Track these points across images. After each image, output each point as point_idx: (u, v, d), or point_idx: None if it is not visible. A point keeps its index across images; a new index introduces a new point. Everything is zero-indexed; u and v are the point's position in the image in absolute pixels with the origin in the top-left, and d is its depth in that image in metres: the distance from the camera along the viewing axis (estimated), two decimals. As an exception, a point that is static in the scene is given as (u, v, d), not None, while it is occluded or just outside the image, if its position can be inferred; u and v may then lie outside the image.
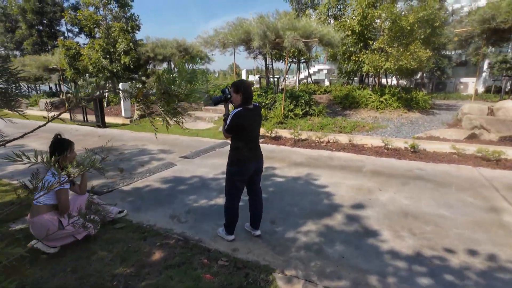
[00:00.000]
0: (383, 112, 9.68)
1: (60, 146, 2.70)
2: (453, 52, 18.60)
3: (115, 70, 12.91)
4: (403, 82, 15.88)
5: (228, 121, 2.64)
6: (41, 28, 19.27)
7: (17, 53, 20.69)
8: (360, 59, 10.23)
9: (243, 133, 2.67)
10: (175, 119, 1.52)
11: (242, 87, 2.62)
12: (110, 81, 13.30)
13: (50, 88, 22.43)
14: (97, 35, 13.84)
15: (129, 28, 12.43)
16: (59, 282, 2.24)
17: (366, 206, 3.72)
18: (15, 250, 1.02)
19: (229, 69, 63.40)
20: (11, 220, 3.27)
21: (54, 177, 2.66)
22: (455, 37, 11.94)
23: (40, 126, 1.28)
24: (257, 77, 14.44)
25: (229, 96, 2.75)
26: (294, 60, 14.45)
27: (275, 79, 10.82)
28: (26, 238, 2.78)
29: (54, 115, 1.32)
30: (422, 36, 9.30)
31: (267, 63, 11.11)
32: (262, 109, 9.01)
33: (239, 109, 2.61)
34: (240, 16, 10.22)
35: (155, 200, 3.94)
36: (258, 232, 3.02)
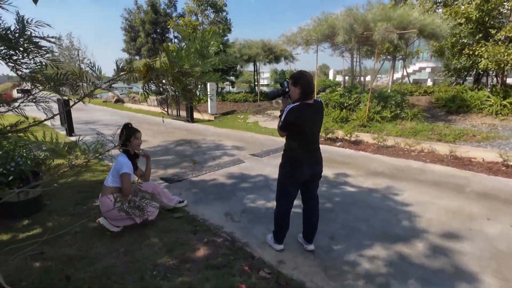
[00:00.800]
0: (506, 119, 7.58)
1: (126, 133, 2.91)
2: None
3: (206, 71, 14.07)
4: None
5: (282, 117, 2.35)
6: (154, 36, 22.74)
7: (137, 57, 24.99)
8: (476, 53, 8.26)
9: (299, 131, 2.33)
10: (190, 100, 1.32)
11: (301, 79, 2.27)
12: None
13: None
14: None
15: (220, 31, 13.32)
16: (110, 261, 2.39)
17: (463, 238, 2.85)
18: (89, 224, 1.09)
19: (318, 69, 61.86)
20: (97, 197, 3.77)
21: (125, 159, 2.90)
22: None
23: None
24: (346, 77, 13.41)
25: (287, 90, 2.46)
26: (388, 57, 12.86)
27: (362, 78, 9.79)
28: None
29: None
30: None
31: (354, 61, 10.16)
32: (344, 111, 8.28)
33: (295, 104, 2.29)
34: (327, 11, 9.63)
35: (216, 194, 3.96)
36: (311, 247, 2.62)
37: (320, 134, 2.53)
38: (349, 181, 4.45)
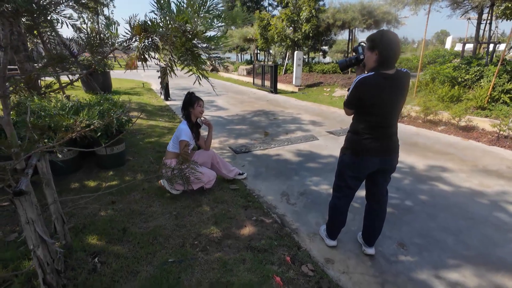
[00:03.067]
0: None
1: (189, 101, 2.91)
2: None
3: (296, 39, 13.40)
4: None
5: (349, 90, 1.88)
6: (249, 4, 22.79)
7: (233, 27, 25.80)
8: None
9: (368, 110, 1.83)
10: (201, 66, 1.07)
11: (380, 42, 1.72)
12: (290, 50, 14.05)
13: (251, 56, 26.84)
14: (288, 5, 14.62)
15: (314, -6, 12.21)
16: (162, 222, 2.52)
17: None
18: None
19: (435, 37, 51.51)
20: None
21: (185, 126, 2.96)
22: None
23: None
24: (466, 45, 10.55)
25: (361, 57, 1.94)
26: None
27: (491, 47, 7.50)
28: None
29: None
30: None
31: (482, 22, 7.80)
32: (456, 88, 6.62)
33: (369, 74, 1.77)
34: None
35: (277, 171, 3.76)
36: (370, 251, 2.18)
37: (400, 115, 1.96)
38: (445, 177, 3.55)
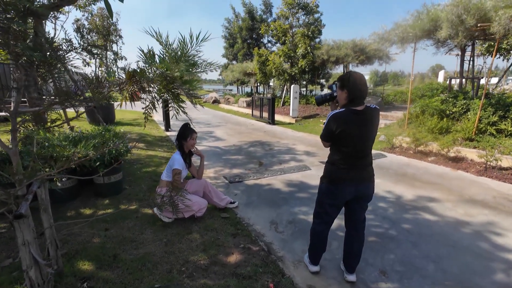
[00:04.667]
0: None
1: (182, 134, 3.12)
2: None
3: (293, 73, 14.08)
4: None
5: (324, 125, 2.08)
6: (249, 41, 24.16)
7: (234, 62, 27.11)
8: None
9: (342, 142, 2.01)
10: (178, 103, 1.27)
11: (349, 81, 1.95)
12: (287, 84, 14.69)
13: (251, 89, 27.86)
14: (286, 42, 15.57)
15: (309, 33, 13.07)
16: (151, 249, 2.61)
17: None
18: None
19: (430, 71, 53.35)
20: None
21: (178, 156, 3.14)
22: None
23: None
24: (453, 80, 11.09)
25: (335, 94, 2.18)
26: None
27: (475, 81, 7.91)
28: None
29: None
30: None
31: (465, 59, 8.30)
32: (444, 120, 6.89)
33: (340, 110, 1.98)
34: (429, 4, 8.12)
35: (268, 200, 3.87)
36: (351, 277, 2.25)
37: (372, 147, 2.11)
38: (430, 207, 3.65)
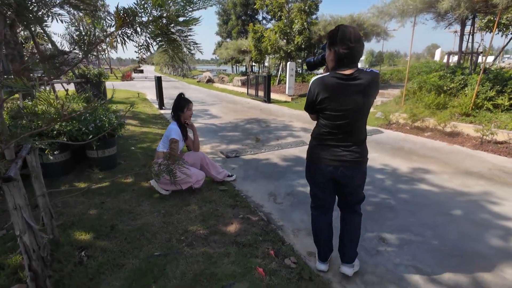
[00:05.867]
0: None
1: (179, 103, 3.01)
2: None
3: (289, 51, 13.74)
4: None
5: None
6: (244, 18, 23.39)
7: (228, 40, 26.37)
8: None
9: (324, 115, 1.69)
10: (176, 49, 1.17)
11: (336, 36, 1.55)
12: (283, 61, 14.37)
13: (246, 68, 27.31)
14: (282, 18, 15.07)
15: (306, 8, 12.63)
16: (149, 219, 2.58)
17: None
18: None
19: (426, 51, 52.51)
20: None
21: (175, 126, 3.04)
22: None
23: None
24: (451, 56, 10.93)
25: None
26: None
27: (473, 57, 7.80)
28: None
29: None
30: None
31: (465, 34, 8.13)
32: (442, 96, 6.83)
33: (323, 74, 1.65)
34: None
35: (265, 174, 3.84)
36: (344, 269, 1.94)
37: (366, 123, 1.74)
38: (427, 179, 3.66)
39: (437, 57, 22.77)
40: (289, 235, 2.47)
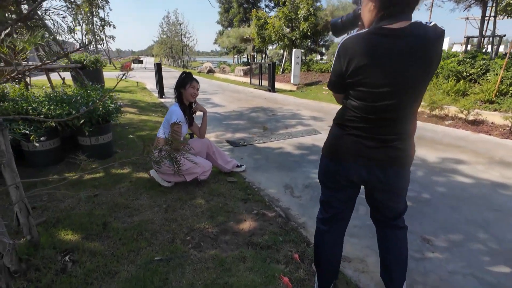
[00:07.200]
0: None
1: (182, 80, 2.60)
2: None
3: (293, 38, 13.18)
4: None
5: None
6: (246, 6, 22.68)
7: (229, 28, 25.67)
8: None
9: (356, 91, 1.11)
10: None
11: None
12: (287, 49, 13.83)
13: (247, 58, 26.67)
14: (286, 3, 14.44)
15: (312, -7, 12.04)
16: (149, 215, 2.19)
17: None
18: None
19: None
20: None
21: (176, 108, 2.64)
22: None
23: None
24: (470, 39, 10.31)
25: (359, 11, 1.19)
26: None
27: (496, 40, 7.31)
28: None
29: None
30: None
31: (486, 16, 7.62)
32: (461, 82, 6.36)
33: (360, 32, 1.06)
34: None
35: (278, 164, 3.45)
36: None
37: (420, 104, 1.17)
38: (461, 169, 3.27)
39: (445, 47, 22.15)
40: (313, 234, 2.08)
